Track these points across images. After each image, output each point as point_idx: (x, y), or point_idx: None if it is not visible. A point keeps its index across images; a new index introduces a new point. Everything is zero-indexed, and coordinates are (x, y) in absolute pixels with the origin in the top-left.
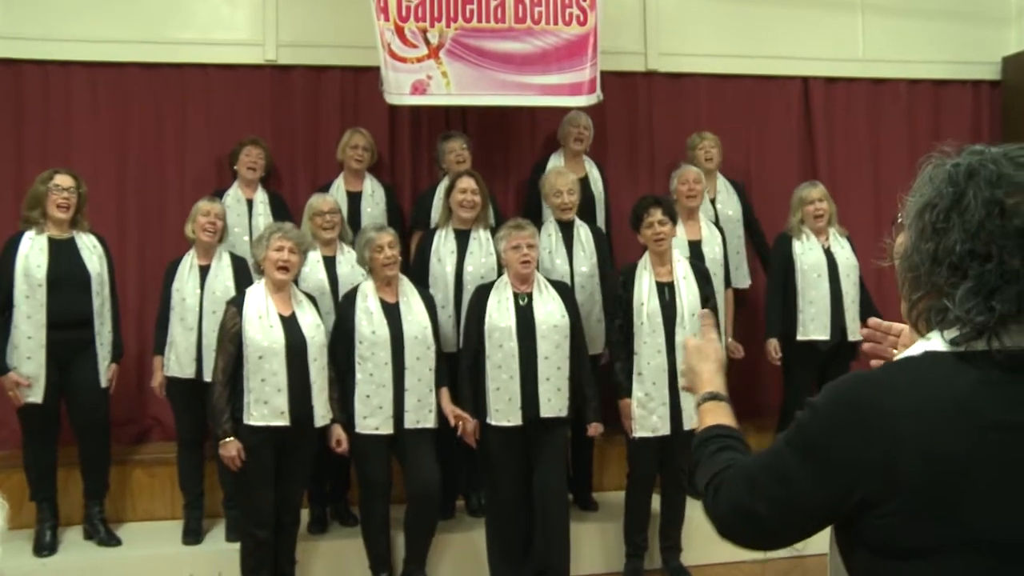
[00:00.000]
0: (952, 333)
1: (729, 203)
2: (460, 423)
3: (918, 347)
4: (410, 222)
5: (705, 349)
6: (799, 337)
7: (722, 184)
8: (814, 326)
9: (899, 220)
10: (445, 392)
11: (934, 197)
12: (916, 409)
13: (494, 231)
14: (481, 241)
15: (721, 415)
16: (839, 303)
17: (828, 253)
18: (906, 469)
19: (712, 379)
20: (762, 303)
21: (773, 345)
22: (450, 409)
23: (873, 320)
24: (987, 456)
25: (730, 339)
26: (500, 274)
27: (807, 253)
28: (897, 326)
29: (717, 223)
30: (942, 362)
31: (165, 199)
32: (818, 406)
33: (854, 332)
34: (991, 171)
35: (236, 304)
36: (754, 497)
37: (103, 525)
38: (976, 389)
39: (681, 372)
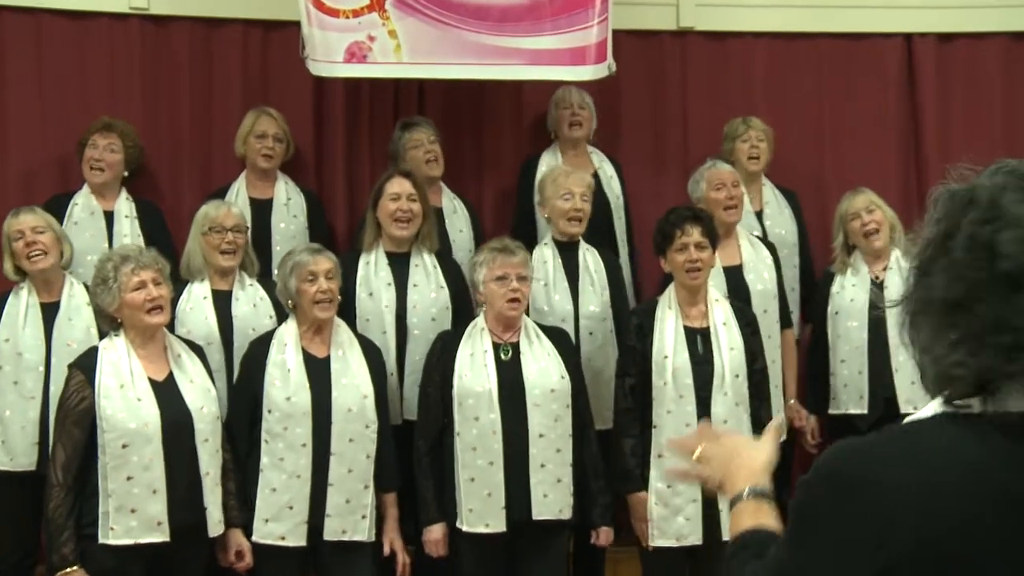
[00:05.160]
0: (948, 394)
1: (781, 219)
2: (403, 562)
3: (928, 408)
4: (354, 242)
5: (758, 449)
6: (830, 410)
7: (770, 192)
8: (847, 395)
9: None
10: (392, 502)
11: (929, 235)
12: (911, 479)
13: (442, 256)
14: (427, 268)
15: (762, 515)
16: (884, 361)
17: (879, 289)
18: (903, 548)
19: (748, 478)
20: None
21: (811, 425)
22: (392, 536)
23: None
24: (992, 531)
25: (793, 400)
26: (457, 315)
27: (844, 291)
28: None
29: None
30: (945, 426)
31: None
32: (806, 484)
33: (910, 401)
34: (988, 201)
35: (84, 368)
36: None
37: None
38: (980, 456)
39: (698, 458)
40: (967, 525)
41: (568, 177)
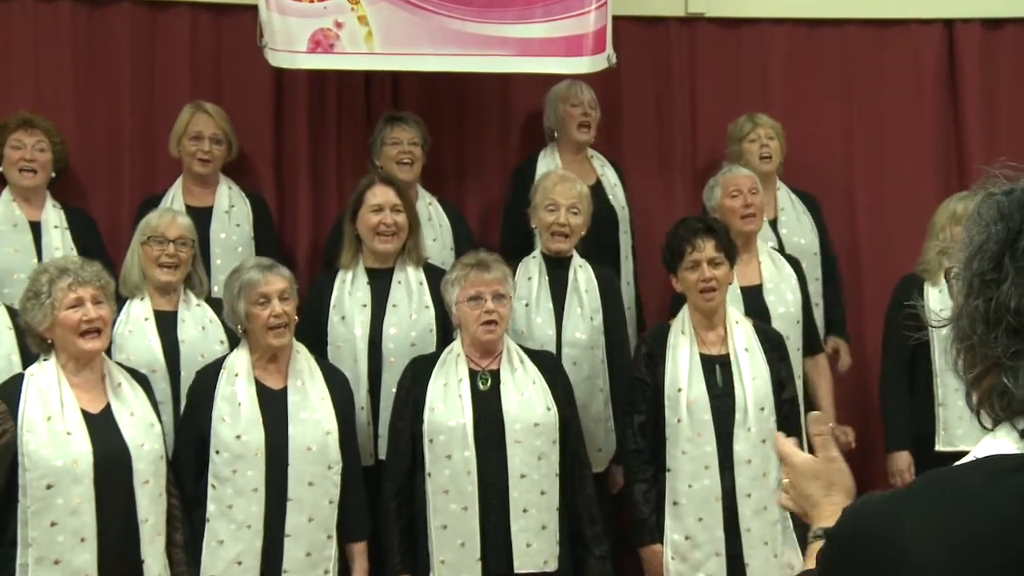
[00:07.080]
0: (1023, 423)
1: (799, 227)
2: None
3: (982, 447)
4: (323, 254)
5: (827, 474)
6: (939, 447)
7: (786, 198)
8: (964, 428)
9: (952, 273)
10: (360, 552)
11: (984, 240)
12: (936, 535)
13: (431, 270)
14: (410, 285)
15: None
16: None
17: None
18: None
19: (835, 513)
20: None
21: (904, 463)
22: None
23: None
24: None
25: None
26: (447, 337)
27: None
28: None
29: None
30: (1003, 469)
31: None
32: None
33: None
34: None
35: (5, 397)
36: None
37: None
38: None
39: (784, 488)
40: None
41: (556, 185)
